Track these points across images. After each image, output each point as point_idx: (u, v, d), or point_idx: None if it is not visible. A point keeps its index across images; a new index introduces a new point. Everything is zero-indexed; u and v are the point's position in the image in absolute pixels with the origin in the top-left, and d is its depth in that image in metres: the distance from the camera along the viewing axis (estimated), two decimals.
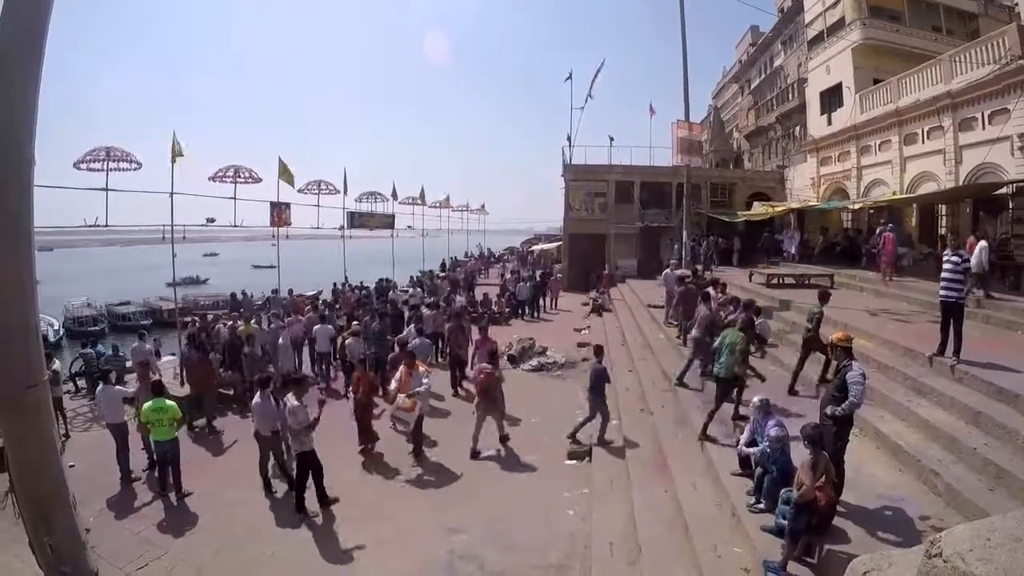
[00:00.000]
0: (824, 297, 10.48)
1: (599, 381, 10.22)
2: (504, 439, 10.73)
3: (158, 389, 9.58)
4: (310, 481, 8.61)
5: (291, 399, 8.50)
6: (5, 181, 3.74)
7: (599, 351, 11.11)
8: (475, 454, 10.28)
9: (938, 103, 18.92)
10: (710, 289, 13.80)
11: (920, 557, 3.20)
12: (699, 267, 23.21)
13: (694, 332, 11.67)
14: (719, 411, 8.88)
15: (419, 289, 27.14)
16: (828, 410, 6.26)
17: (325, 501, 8.61)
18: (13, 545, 6.94)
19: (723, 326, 10.63)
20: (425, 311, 17.29)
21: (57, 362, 13.31)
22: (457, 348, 14.57)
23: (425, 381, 10.56)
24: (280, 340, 14.95)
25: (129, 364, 14.58)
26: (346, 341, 14.23)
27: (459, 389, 14.17)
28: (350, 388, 12.18)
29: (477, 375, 10.87)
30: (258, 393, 9.32)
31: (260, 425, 9.21)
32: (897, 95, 21.46)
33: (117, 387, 10.52)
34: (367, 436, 10.56)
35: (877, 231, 19.17)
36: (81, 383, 15.39)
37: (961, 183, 18.03)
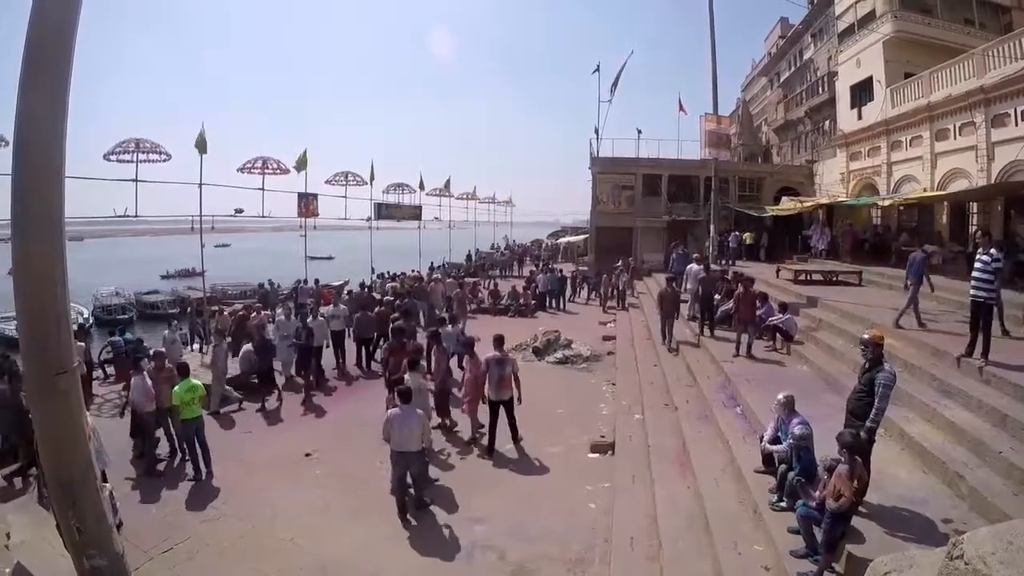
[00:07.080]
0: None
1: (919, 266, 11.68)
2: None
3: (184, 371, 9.84)
4: None
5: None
6: (41, 177, 3.85)
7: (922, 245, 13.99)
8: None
9: (970, 98, 18.58)
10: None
11: (941, 559, 3.23)
12: (724, 262, 23.16)
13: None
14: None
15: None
16: (863, 430, 6.04)
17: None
18: (42, 527, 7.14)
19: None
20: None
21: (77, 357, 13.41)
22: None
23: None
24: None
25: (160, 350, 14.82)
26: None
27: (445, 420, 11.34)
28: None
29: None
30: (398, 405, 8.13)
31: (409, 441, 7.98)
32: (929, 90, 21.06)
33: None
34: None
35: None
36: (110, 370, 15.61)
37: (993, 180, 17.75)
